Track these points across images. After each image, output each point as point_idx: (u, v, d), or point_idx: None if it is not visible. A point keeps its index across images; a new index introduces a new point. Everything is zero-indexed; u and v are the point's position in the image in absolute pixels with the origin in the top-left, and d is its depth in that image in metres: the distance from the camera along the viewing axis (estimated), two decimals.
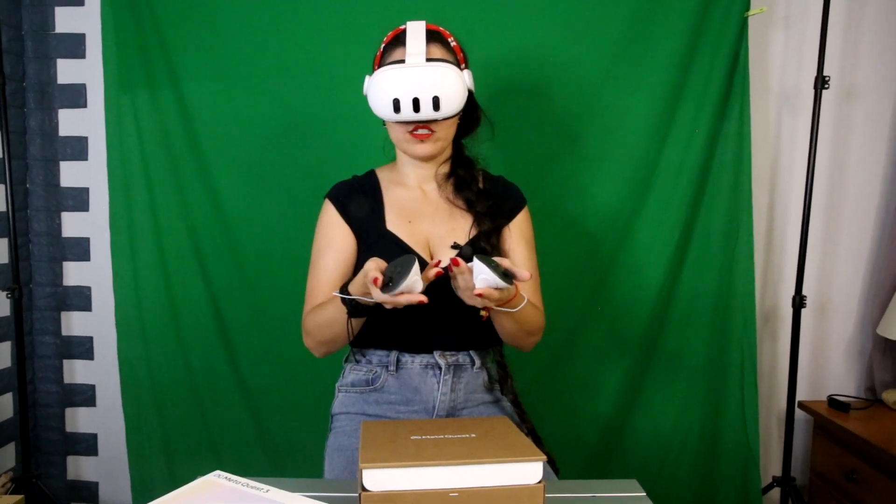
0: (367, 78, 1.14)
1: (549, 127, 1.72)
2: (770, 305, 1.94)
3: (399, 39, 1.14)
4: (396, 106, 1.08)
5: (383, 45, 1.17)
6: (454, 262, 0.99)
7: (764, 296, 1.92)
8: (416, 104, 1.07)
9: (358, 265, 1.18)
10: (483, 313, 1.10)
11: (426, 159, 1.20)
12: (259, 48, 1.71)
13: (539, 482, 0.77)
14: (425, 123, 1.13)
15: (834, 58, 1.85)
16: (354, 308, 1.05)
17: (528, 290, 1.16)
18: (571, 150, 1.73)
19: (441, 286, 1.16)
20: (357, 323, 1.10)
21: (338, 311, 1.08)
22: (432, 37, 1.14)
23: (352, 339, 1.11)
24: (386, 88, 1.08)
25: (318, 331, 1.15)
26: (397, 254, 1.15)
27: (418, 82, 1.07)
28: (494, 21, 1.68)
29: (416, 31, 1.12)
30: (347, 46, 1.68)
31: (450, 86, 1.09)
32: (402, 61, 1.09)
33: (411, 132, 1.14)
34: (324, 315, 1.13)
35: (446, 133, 1.18)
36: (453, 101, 1.09)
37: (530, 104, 1.71)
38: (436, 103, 1.08)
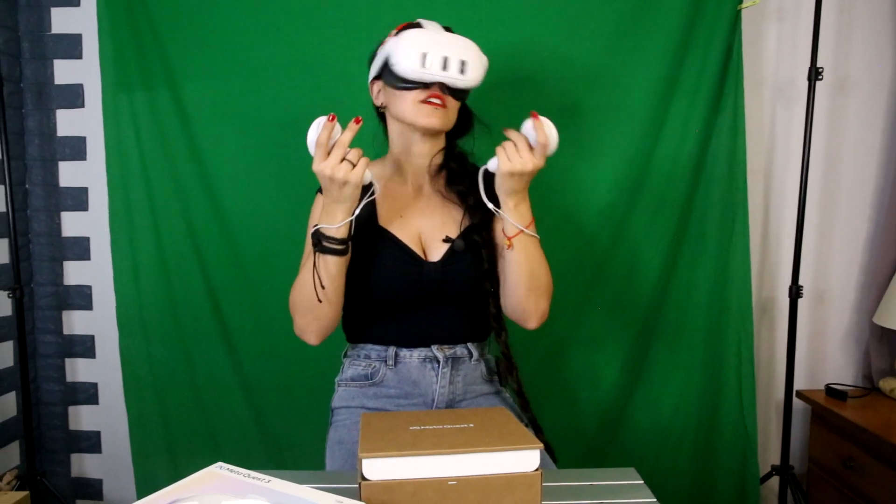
0: (385, 44, 1.14)
1: None
2: (767, 296, 1.95)
3: (413, 26, 1.15)
4: (423, 60, 1.08)
5: (394, 32, 1.16)
6: (533, 114, 1.07)
7: (761, 286, 1.93)
8: (444, 63, 1.08)
9: (351, 262, 1.18)
10: (508, 243, 1.12)
11: (432, 131, 1.18)
12: (255, 47, 1.72)
13: (536, 470, 0.78)
14: (441, 93, 1.12)
15: (827, 49, 1.86)
16: (319, 241, 1.05)
17: None
18: (566, 144, 1.72)
19: (436, 282, 1.17)
20: (331, 265, 1.07)
21: (309, 270, 1.08)
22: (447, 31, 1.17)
23: (322, 287, 1.07)
24: (415, 43, 1.09)
25: (297, 296, 1.12)
26: (389, 248, 1.17)
27: (449, 43, 1.10)
28: (487, 16, 1.69)
29: (432, 23, 1.16)
30: (344, 44, 1.69)
31: (476, 56, 1.12)
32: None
33: (425, 100, 1.13)
34: (299, 278, 1.13)
35: (454, 114, 1.18)
36: (477, 71, 1.12)
37: (524, 99, 1.71)
38: (463, 67, 1.09)
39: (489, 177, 1.14)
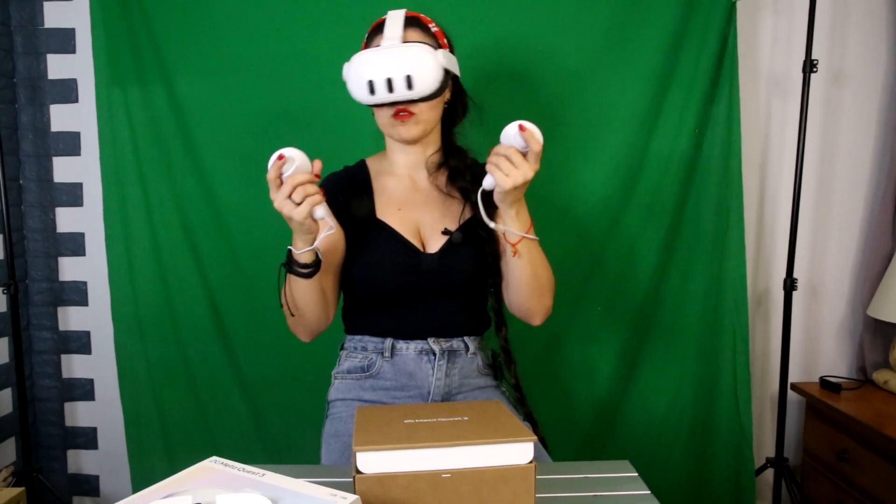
0: (344, 66, 1.16)
1: (538, 115, 1.69)
2: (762, 288, 1.96)
3: (379, 28, 1.15)
4: (371, 87, 1.09)
5: (367, 35, 1.19)
6: (521, 127, 1.00)
7: (756, 279, 1.94)
8: (389, 84, 1.08)
9: (348, 255, 1.19)
10: (513, 251, 1.11)
11: (411, 142, 1.21)
12: (250, 41, 1.71)
13: (530, 462, 0.78)
14: (404, 105, 1.14)
15: (822, 42, 1.86)
16: (289, 263, 1.07)
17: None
18: (561, 137, 1.74)
19: (434, 273, 1.17)
20: (300, 287, 1.09)
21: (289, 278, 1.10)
22: (411, 22, 1.15)
23: (290, 304, 1.11)
24: (360, 71, 1.10)
25: (283, 301, 1.15)
26: (388, 241, 1.17)
27: (390, 62, 1.08)
28: (482, 9, 1.69)
29: (394, 18, 1.13)
30: (337, 38, 1.67)
31: (422, 64, 1.09)
32: (379, 47, 1.11)
33: (393, 115, 1.15)
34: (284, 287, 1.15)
35: (428, 115, 1.18)
36: (427, 80, 1.10)
37: (520, 92, 1.71)
38: (409, 82, 1.08)
39: (486, 194, 1.11)
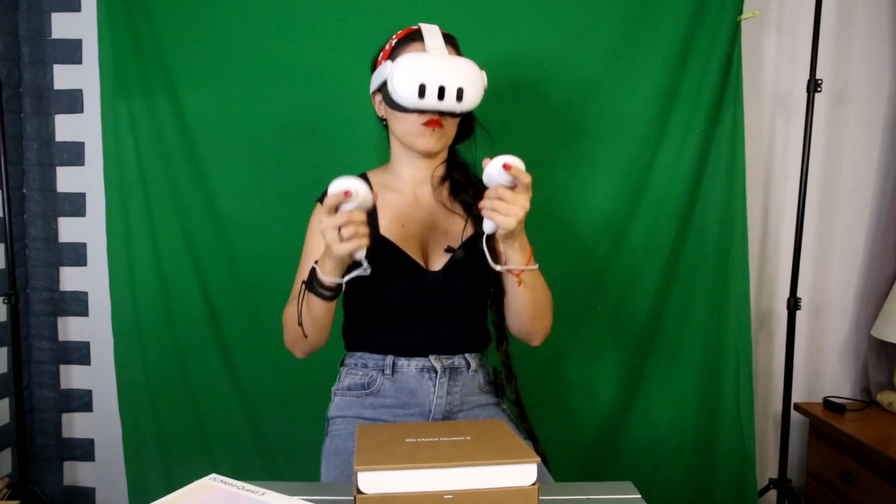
0: (384, 64, 1.13)
1: (543, 131, 1.73)
2: (765, 308, 1.95)
3: (413, 37, 1.15)
4: (422, 91, 1.07)
5: (395, 41, 1.18)
6: (506, 166, 0.97)
7: (759, 298, 1.93)
8: (441, 92, 1.08)
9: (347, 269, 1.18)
10: (518, 280, 1.10)
11: (431, 154, 1.20)
12: (254, 53, 1.71)
13: (533, 484, 0.77)
14: (439, 116, 1.14)
15: (826, 61, 1.86)
16: (311, 281, 1.05)
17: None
18: (566, 153, 1.74)
19: (437, 291, 1.17)
20: (316, 307, 1.07)
21: (297, 299, 1.10)
22: (448, 40, 1.16)
23: (303, 322, 1.08)
24: (412, 73, 1.07)
25: (286, 317, 1.15)
26: (390, 257, 1.16)
27: (446, 71, 1.08)
28: (489, 24, 1.70)
29: (432, 31, 1.14)
30: (342, 50, 1.69)
31: (474, 80, 1.11)
32: (427, 53, 1.10)
33: (424, 123, 1.14)
34: (289, 304, 1.15)
35: (452, 131, 1.19)
36: (474, 96, 1.11)
37: (524, 107, 1.71)
38: (460, 94, 1.09)
39: (489, 237, 1.09)
